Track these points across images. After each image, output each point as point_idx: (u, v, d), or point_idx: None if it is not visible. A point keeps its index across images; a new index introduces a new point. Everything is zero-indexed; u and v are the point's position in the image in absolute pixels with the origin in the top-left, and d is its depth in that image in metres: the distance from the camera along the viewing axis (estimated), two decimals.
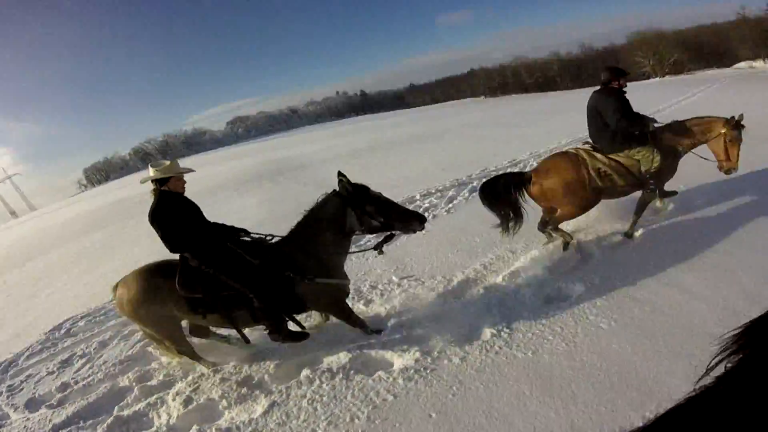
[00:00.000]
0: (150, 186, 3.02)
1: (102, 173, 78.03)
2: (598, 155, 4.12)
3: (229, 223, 3.27)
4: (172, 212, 2.89)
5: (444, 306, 3.69)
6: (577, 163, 4.09)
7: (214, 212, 4.02)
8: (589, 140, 4.34)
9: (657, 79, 41.54)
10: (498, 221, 4.29)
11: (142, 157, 77.39)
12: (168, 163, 3.01)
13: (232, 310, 3.00)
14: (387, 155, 13.95)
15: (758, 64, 40.10)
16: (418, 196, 7.70)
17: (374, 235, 3.24)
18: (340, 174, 3.01)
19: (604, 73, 4.19)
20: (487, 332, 3.22)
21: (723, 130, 4.03)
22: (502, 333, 3.22)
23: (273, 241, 3.19)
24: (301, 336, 3.17)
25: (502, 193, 4.18)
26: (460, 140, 14.45)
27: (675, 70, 44.37)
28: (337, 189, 3.03)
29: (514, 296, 3.69)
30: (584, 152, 4.17)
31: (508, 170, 7.82)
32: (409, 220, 3.03)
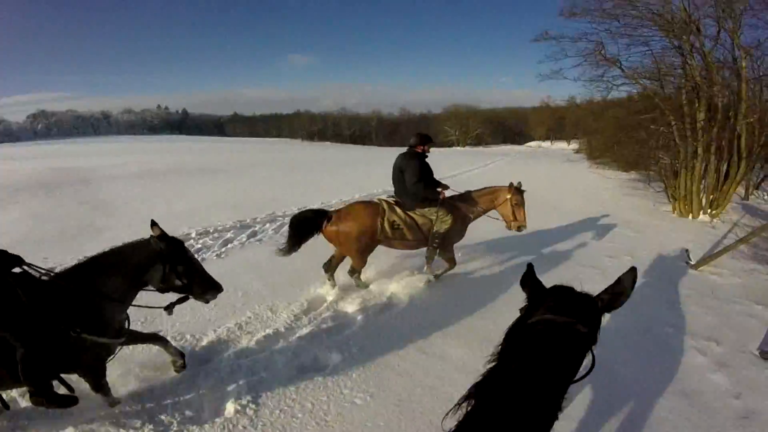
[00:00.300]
0: None
1: None
2: (398, 209, 4.55)
3: None
4: None
5: (187, 372, 3.24)
6: (375, 213, 4.47)
7: None
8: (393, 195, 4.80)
9: (460, 147, 50.00)
10: (286, 246, 4.54)
11: None
12: None
13: None
14: (180, 182, 13.14)
15: (545, 144, 52.84)
16: (194, 234, 7.12)
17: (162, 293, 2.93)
18: (153, 223, 2.78)
19: (413, 138, 4.74)
20: (231, 407, 2.91)
21: (508, 196, 4.77)
22: (248, 409, 2.92)
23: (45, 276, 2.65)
24: (69, 401, 2.62)
25: (309, 226, 4.47)
26: (258, 179, 14.35)
27: (476, 142, 54.09)
28: (152, 236, 2.78)
29: (266, 364, 3.39)
30: (386, 204, 4.58)
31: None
32: (209, 287, 2.90)
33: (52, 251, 5.90)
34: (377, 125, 62.14)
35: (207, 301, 2.94)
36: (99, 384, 2.84)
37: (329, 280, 4.65)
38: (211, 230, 7.30)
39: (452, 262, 4.96)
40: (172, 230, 3.04)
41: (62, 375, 2.62)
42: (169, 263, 2.77)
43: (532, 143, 55.26)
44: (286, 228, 5.34)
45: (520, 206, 4.79)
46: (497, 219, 5.01)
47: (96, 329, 2.62)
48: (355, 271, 4.64)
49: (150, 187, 12.03)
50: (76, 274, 2.67)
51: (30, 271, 2.57)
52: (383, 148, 43.61)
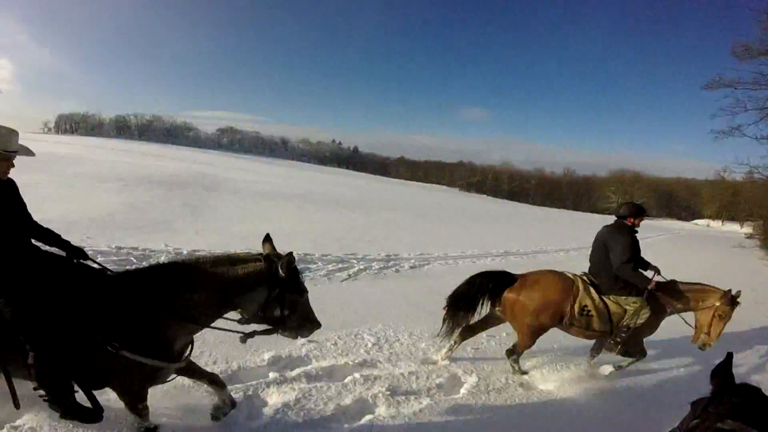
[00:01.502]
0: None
1: (72, 125, 77.81)
2: (593, 291, 3.79)
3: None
4: None
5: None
6: (568, 290, 3.75)
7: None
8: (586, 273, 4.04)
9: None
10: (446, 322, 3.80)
11: (119, 127, 78.16)
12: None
13: (4, 354, 2.11)
14: (293, 208, 13.32)
15: (715, 224, 44.49)
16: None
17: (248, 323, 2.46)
18: (267, 238, 2.54)
19: (624, 207, 4.04)
20: None
21: (717, 303, 3.81)
22: None
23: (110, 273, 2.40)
24: (90, 416, 2.25)
25: (483, 289, 3.77)
26: (380, 219, 13.91)
27: None
28: (265, 254, 2.42)
29: None
30: (581, 282, 3.82)
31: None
32: (306, 323, 2.50)
33: (123, 237, 6.17)
34: (538, 183, 61.41)
35: (296, 338, 2.56)
36: (136, 407, 2.40)
37: (451, 347, 3.82)
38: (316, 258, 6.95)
39: (642, 353, 4.09)
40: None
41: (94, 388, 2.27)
42: (279, 288, 2.33)
43: (700, 221, 47.37)
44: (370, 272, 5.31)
45: (722, 321, 3.82)
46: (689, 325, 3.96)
47: (144, 348, 2.19)
48: (514, 353, 3.80)
49: (261, 206, 12.45)
50: (147, 278, 2.31)
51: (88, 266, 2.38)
52: (537, 207, 42.07)
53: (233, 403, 2.71)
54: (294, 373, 3.16)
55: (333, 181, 30.21)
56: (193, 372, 2.65)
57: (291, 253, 2.37)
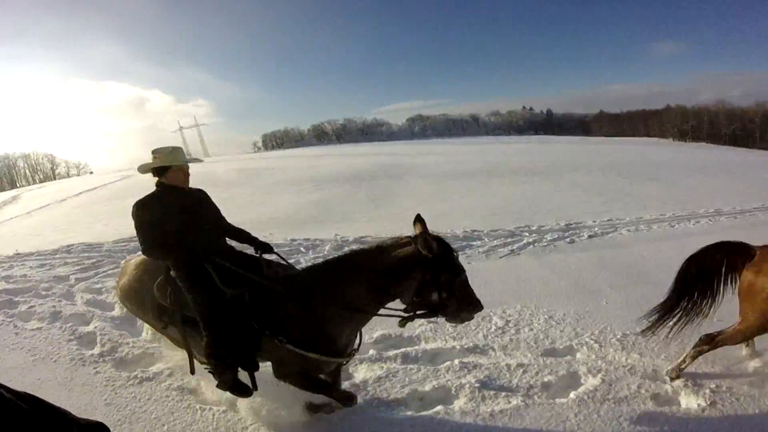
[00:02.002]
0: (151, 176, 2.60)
1: (277, 141, 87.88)
2: None
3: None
4: (161, 212, 2.45)
5: None
6: None
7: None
8: None
9: None
10: (657, 309, 2.99)
11: (317, 135, 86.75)
12: (170, 149, 2.56)
13: (190, 332, 2.58)
14: (477, 184, 13.03)
15: None
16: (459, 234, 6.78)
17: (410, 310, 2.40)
18: (418, 218, 2.39)
19: None
20: None
21: None
22: None
23: (287, 272, 2.67)
24: (243, 391, 2.52)
25: (709, 268, 2.90)
26: (566, 184, 12.46)
27: None
28: (414, 235, 2.33)
29: None
30: None
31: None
32: (468, 304, 2.31)
33: (300, 231, 7.16)
34: (763, 121, 46.62)
35: (461, 321, 2.42)
36: (306, 388, 2.56)
37: (686, 359, 2.84)
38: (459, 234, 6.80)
39: None
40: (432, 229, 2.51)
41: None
42: (432, 270, 2.23)
43: None
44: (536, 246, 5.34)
45: None
46: None
47: (306, 342, 2.33)
48: (713, 342, 2.75)
49: (442, 186, 12.70)
50: (310, 275, 2.49)
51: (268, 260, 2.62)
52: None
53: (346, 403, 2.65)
54: (392, 353, 3.13)
55: (524, 150, 28.49)
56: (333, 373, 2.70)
57: (425, 229, 2.30)
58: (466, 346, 3.27)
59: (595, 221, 7.52)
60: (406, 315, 2.35)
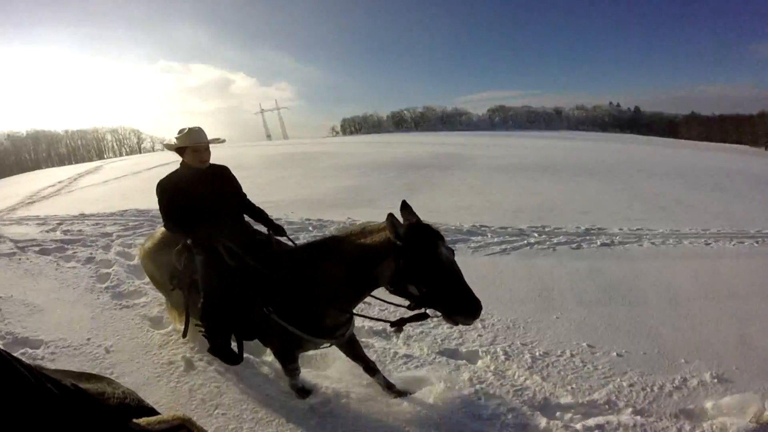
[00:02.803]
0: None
1: (356, 126, 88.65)
2: None
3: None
4: (176, 191, 2.60)
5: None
6: None
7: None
8: None
9: None
10: None
11: (396, 122, 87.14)
12: (189, 131, 2.63)
13: (194, 298, 2.73)
14: (523, 179, 12.47)
15: None
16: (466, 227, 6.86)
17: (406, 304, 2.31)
18: (404, 205, 2.27)
19: None
20: None
21: None
22: None
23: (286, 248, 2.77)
24: (231, 359, 2.67)
25: None
26: (605, 184, 11.56)
27: None
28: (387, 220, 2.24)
29: None
30: None
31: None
32: (459, 306, 2.06)
33: (318, 213, 7.61)
34: None
35: (455, 324, 2.18)
36: (285, 366, 2.65)
37: None
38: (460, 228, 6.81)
39: None
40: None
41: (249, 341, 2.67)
42: (403, 259, 2.08)
43: None
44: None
45: None
46: None
47: (292, 317, 2.37)
48: None
49: (486, 180, 12.54)
50: (301, 253, 2.56)
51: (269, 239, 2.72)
52: None
53: (388, 386, 2.70)
54: None
55: (593, 148, 26.31)
56: (354, 355, 2.72)
57: (405, 216, 2.20)
58: (374, 328, 3.44)
59: (621, 229, 6.94)
60: (394, 321, 2.26)
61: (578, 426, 2.44)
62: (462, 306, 2.04)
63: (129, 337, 3.30)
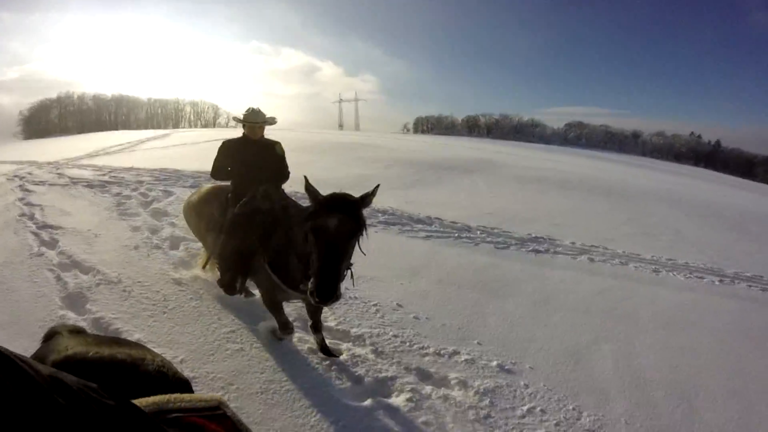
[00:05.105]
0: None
1: (429, 125, 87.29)
2: None
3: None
4: (229, 150, 3.42)
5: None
6: None
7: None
8: None
9: None
10: None
11: (469, 126, 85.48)
12: (250, 111, 3.43)
13: (215, 236, 3.37)
14: (561, 195, 12.18)
15: None
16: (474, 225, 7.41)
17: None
18: (306, 178, 2.40)
19: None
20: None
21: None
22: None
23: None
24: (230, 290, 3.21)
25: None
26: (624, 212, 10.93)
27: None
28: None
29: None
30: None
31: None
32: (314, 281, 2.07)
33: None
34: None
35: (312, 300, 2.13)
36: (269, 307, 3.02)
37: None
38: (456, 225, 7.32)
39: None
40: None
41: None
42: (306, 221, 2.24)
43: None
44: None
45: None
46: None
47: (277, 269, 2.72)
48: None
49: (499, 186, 12.61)
50: (294, 211, 2.94)
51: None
52: None
53: (323, 349, 3.04)
54: None
55: (638, 173, 24.57)
56: (312, 313, 3.08)
57: (308, 182, 2.35)
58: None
59: (573, 243, 7.14)
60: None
61: None
62: (316, 282, 2.05)
63: (111, 231, 5.18)
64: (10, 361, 0.59)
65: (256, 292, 3.45)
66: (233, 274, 3.12)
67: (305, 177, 2.37)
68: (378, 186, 2.43)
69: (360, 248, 2.29)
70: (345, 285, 2.41)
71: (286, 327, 3.03)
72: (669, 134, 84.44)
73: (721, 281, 6.23)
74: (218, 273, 3.43)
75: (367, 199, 2.31)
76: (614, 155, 56.23)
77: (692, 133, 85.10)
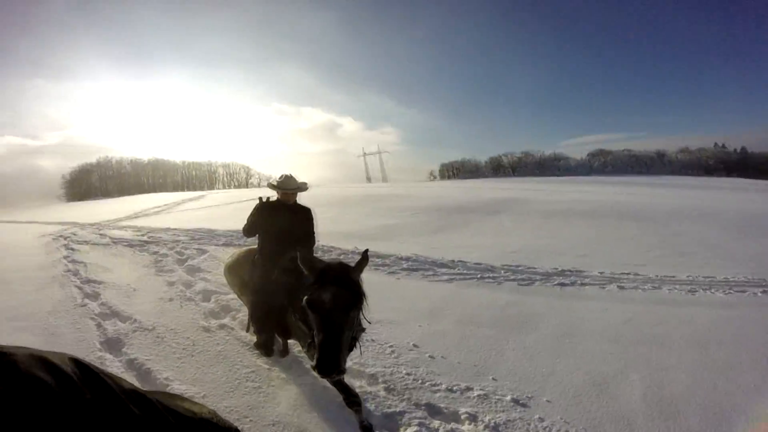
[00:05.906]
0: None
1: (454, 170, 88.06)
2: None
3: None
4: (263, 212, 3.56)
5: None
6: None
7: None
8: None
9: None
10: None
11: (494, 167, 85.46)
12: (283, 178, 3.60)
13: (247, 299, 3.54)
14: (582, 224, 12.05)
15: None
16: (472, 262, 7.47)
17: None
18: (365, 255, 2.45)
19: None
20: None
21: None
22: None
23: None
24: (267, 352, 3.39)
25: None
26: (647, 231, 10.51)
27: None
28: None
29: None
30: None
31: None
32: (316, 355, 2.05)
33: (353, 243, 8.71)
34: None
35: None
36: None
37: None
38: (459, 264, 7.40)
39: None
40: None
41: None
42: (304, 294, 2.30)
43: None
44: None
45: None
46: None
47: (305, 321, 2.62)
48: None
49: (523, 223, 12.60)
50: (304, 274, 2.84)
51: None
52: None
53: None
54: None
55: (666, 194, 23.28)
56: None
57: (304, 255, 2.42)
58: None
59: (602, 272, 6.87)
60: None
61: None
62: (317, 356, 2.01)
63: (149, 285, 5.65)
64: (94, 374, 0.71)
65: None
66: (268, 337, 3.25)
67: (298, 252, 2.44)
68: (367, 250, 2.44)
69: (365, 318, 2.30)
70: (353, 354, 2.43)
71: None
72: (694, 148, 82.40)
73: (764, 292, 5.83)
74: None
75: (359, 267, 2.32)
76: (642, 178, 54.18)
77: (716, 143, 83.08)
